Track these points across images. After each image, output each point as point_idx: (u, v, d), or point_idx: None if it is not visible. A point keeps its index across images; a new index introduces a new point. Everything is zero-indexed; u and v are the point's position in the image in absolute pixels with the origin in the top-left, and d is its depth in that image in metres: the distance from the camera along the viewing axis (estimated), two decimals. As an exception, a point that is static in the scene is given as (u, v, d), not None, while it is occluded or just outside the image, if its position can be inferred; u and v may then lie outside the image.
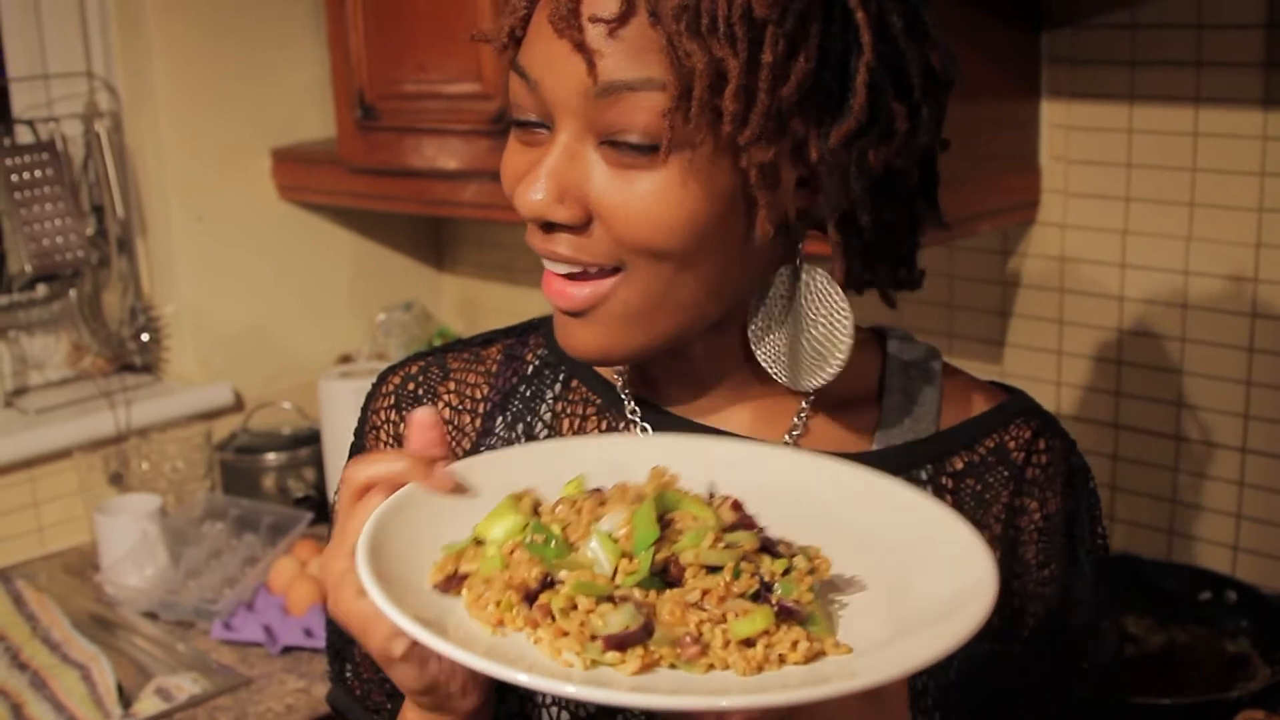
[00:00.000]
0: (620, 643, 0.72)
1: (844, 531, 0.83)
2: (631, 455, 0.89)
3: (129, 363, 2.61)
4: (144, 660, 2.11)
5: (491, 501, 0.83)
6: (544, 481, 0.87)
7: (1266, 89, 1.77)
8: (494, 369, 1.09)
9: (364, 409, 1.11)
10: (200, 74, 2.55)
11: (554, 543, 0.77)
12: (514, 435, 1.05)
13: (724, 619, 0.74)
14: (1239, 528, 1.90)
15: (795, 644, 0.74)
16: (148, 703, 1.96)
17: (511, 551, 0.77)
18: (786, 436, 1.00)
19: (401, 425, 1.07)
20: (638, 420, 1.02)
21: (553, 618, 0.73)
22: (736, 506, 0.82)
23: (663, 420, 1.02)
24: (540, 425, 1.05)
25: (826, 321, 0.95)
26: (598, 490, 0.85)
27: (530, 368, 1.08)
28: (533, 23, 0.90)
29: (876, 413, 1.03)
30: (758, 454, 0.91)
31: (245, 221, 2.65)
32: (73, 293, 2.52)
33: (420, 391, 1.08)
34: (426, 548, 0.80)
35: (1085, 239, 1.98)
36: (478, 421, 1.07)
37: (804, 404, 1.01)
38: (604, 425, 1.03)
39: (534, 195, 0.88)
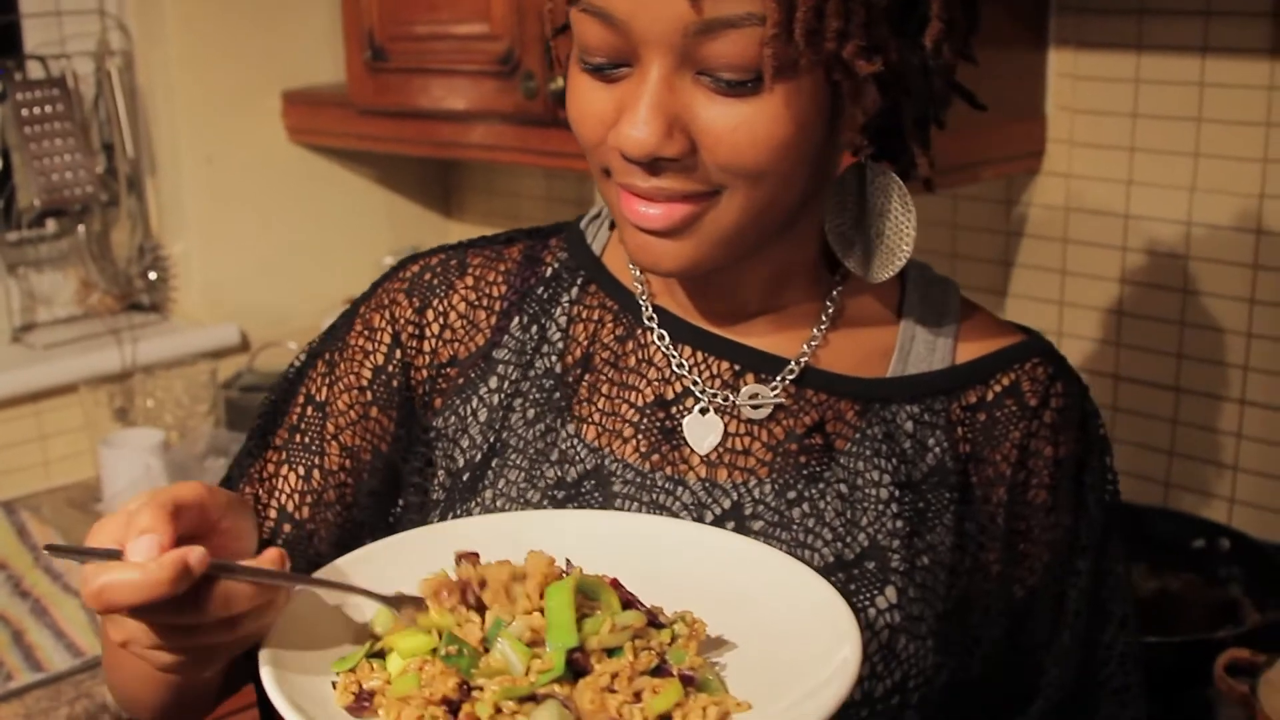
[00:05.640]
0: None
1: (702, 591, 0.87)
2: (494, 533, 0.91)
3: (136, 301, 2.63)
4: (144, 590, 2.13)
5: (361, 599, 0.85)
6: (407, 575, 0.88)
7: (1274, 39, 1.76)
8: (513, 269, 1.09)
9: (374, 285, 1.12)
10: (212, 15, 2.55)
11: (466, 651, 0.79)
12: (528, 336, 1.06)
13: (637, 698, 0.77)
14: (1236, 480, 1.91)
15: (705, 710, 0.77)
16: (146, 629, 1.98)
17: (421, 666, 0.79)
18: (805, 346, 1.02)
19: (410, 312, 1.08)
20: (654, 327, 1.03)
21: None
22: (615, 584, 0.84)
23: (679, 328, 1.03)
24: (555, 328, 1.06)
25: (893, 216, 0.98)
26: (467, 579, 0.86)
27: (549, 270, 1.09)
28: None
29: (893, 339, 1.05)
30: (608, 521, 0.95)
31: (254, 163, 2.65)
32: (81, 229, 2.53)
33: (437, 283, 1.09)
34: (321, 655, 0.82)
35: (1089, 189, 1.98)
36: (492, 319, 1.07)
37: (823, 319, 1.03)
38: (619, 330, 1.05)
39: (637, 133, 0.87)
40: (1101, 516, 1.06)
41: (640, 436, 1.01)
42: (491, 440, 1.04)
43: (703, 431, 1.01)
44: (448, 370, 1.07)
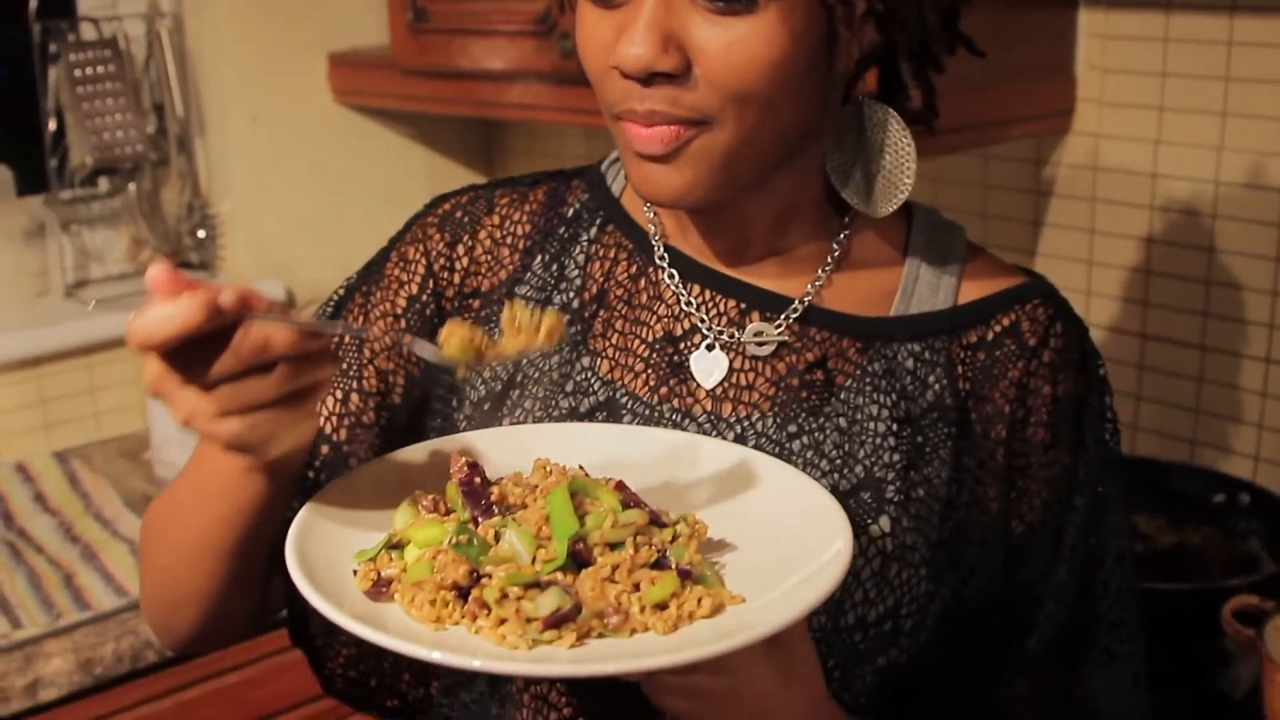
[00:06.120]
0: (555, 622, 0.79)
1: (708, 497, 0.93)
2: (516, 445, 0.97)
3: (185, 259, 2.69)
4: (190, 536, 2.20)
5: (387, 498, 0.91)
6: (433, 478, 0.94)
7: (1302, -3, 1.77)
8: (537, 209, 1.14)
9: (408, 223, 1.17)
10: (260, -23, 2.61)
11: (476, 542, 0.84)
12: (549, 274, 1.11)
13: (636, 588, 0.83)
14: (1260, 437, 1.92)
15: (700, 601, 0.82)
16: (191, 573, 2.05)
17: (435, 555, 0.84)
18: (809, 287, 1.06)
19: (442, 245, 1.13)
20: (666, 266, 1.08)
21: (488, 608, 0.80)
22: (620, 486, 0.90)
23: (690, 267, 1.08)
24: (573, 266, 1.11)
25: (893, 151, 1.02)
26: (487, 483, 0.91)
27: (571, 210, 1.14)
28: None
29: (897, 279, 1.08)
30: (620, 434, 1.00)
31: (301, 124, 2.71)
32: (132, 188, 2.59)
33: (466, 219, 1.15)
34: (344, 550, 0.87)
35: (1118, 148, 1.99)
36: (516, 257, 1.13)
37: (828, 260, 1.07)
38: (633, 269, 1.09)
39: (635, 49, 0.91)
40: (1100, 454, 1.09)
41: (650, 371, 1.06)
42: (511, 370, 1.09)
43: (708, 367, 1.05)
44: (472, 302, 1.12)
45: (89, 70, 2.47)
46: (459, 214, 1.15)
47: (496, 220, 1.14)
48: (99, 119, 2.48)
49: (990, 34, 1.02)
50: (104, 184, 2.62)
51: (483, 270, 1.13)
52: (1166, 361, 2.00)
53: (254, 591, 1.07)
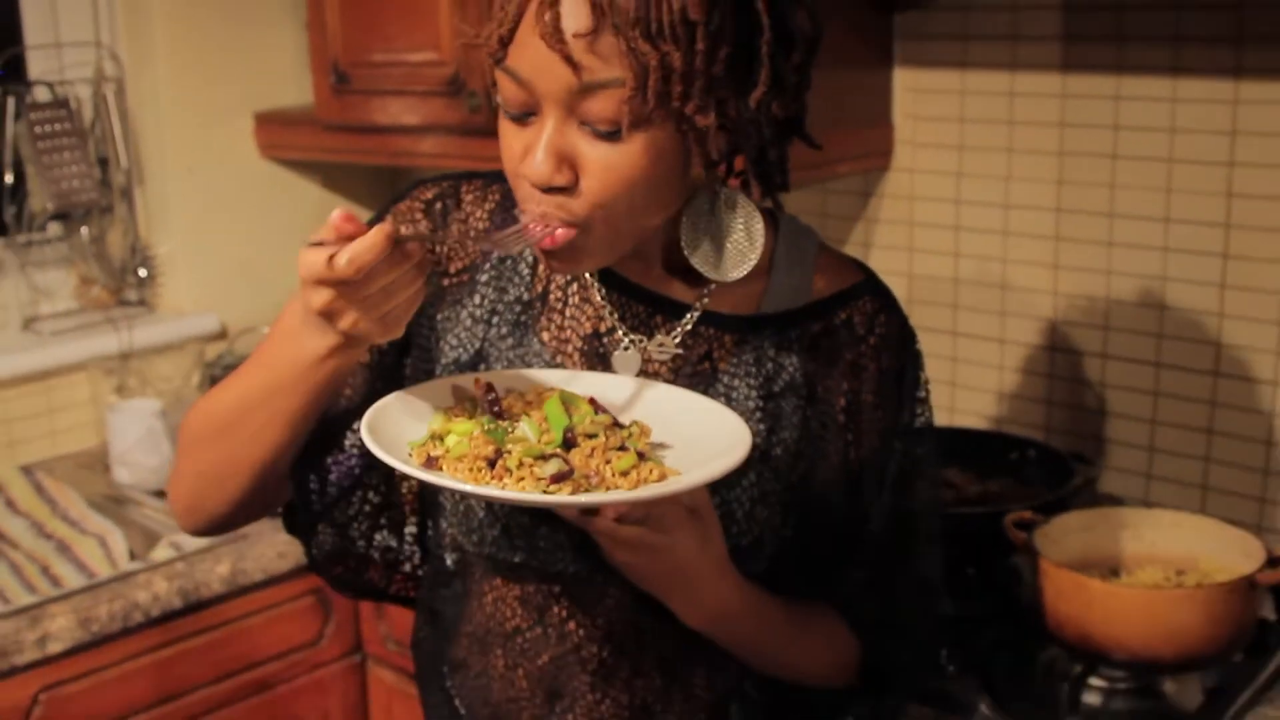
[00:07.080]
0: (557, 479, 1.13)
1: (650, 416, 1.26)
2: (526, 378, 1.31)
3: (127, 296, 3.01)
4: (154, 528, 2.51)
5: (425, 409, 1.23)
6: (450, 399, 1.27)
7: (1064, 57, 2.24)
8: (494, 208, 1.36)
9: (390, 206, 1.39)
10: (194, 46, 2.95)
11: (499, 428, 1.19)
12: (504, 267, 1.35)
13: (609, 461, 1.13)
14: (1050, 411, 2.37)
15: (652, 470, 1.16)
16: (161, 552, 2.37)
17: (470, 439, 1.17)
18: (697, 304, 1.32)
19: (426, 229, 1.36)
20: (595, 280, 1.34)
21: (510, 473, 1.15)
22: (592, 401, 1.24)
23: (610, 277, 1.35)
24: (524, 264, 1.35)
25: (744, 226, 1.27)
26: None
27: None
28: (519, 33, 1.13)
29: (764, 284, 1.34)
30: (585, 376, 1.29)
31: (230, 175, 3.05)
32: (83, 231, 2.92)
33: (441, 209, 1.36)
34: (398, 442, 1.20)
35: (929, 181, 2.44)
36: (477, 248, 1.35)
37: None
38: (568, 275, 1.34)
39: (537, 167, 1.13)
40: (912, 409, 1.41)
41: (582, 359, 1.32)
42: (478, 345, 1.34)
43: (627, 363, 1.32)
44: (443, 280, 1.39)
45: (45, 128, 2.80)
46: (438, 204, 1.35)
47: (462, 216, 1.34)
48: (56, 170, 2.80)
49: (823, 89, 1.27)
50: (54, 229, 2.94)
51: (453, 254, 1.39)
52: (973, 353, 2.45)
53: (284, 472, 1.32)
